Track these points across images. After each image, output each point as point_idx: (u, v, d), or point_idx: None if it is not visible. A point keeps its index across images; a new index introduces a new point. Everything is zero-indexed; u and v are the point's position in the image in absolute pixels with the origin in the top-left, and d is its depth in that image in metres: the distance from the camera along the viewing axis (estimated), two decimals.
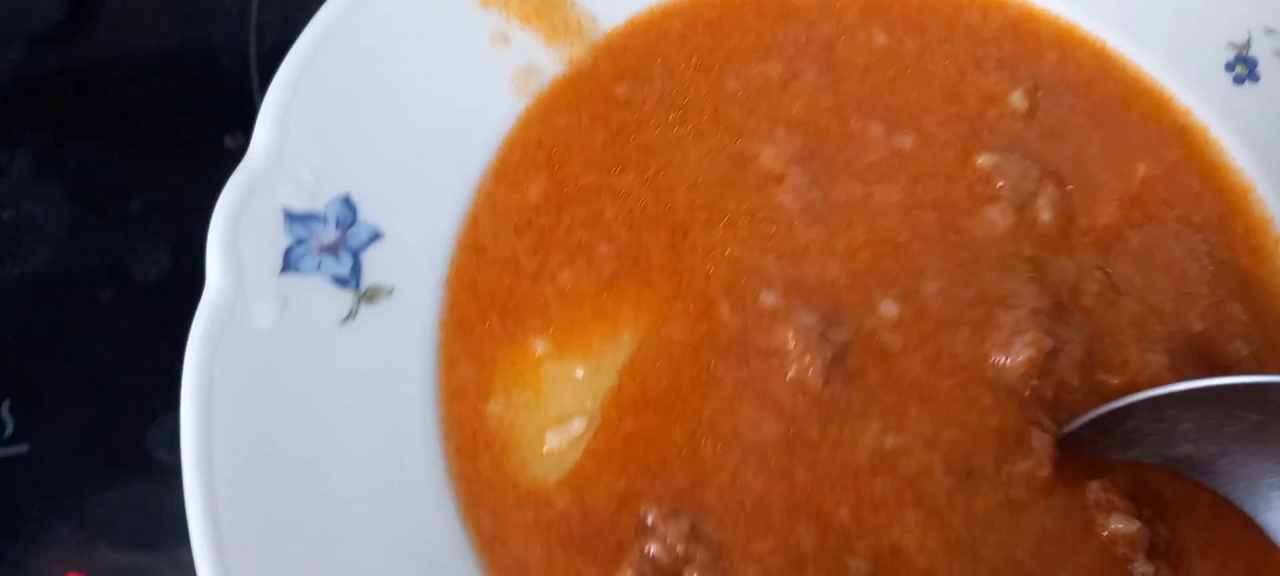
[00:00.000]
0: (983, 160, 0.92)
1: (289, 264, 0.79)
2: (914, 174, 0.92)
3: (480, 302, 0.85)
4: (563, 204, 0.89)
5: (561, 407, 0.82)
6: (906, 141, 0.94)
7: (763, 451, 0.81)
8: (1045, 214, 0.90)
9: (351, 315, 0.80)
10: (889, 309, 0.86)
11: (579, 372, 0.83)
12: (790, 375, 0.83)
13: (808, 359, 0.83)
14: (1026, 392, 0.82)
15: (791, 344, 0.83)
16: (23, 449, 0.91)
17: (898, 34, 1.00)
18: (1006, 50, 1.01)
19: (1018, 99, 0.97)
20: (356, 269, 0.81)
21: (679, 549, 0.76)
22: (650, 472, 0.79)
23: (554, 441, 0.80)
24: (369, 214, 0.83)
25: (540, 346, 0.84)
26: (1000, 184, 0.91)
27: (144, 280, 0.96)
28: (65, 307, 0.95)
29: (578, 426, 0.81)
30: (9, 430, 0.91)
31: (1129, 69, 1.00)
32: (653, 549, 0.76)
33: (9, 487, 0.90)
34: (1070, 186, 0.93)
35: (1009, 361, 0.82)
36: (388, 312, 0.81)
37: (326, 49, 0.84)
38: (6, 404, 0.92)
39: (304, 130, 0.83)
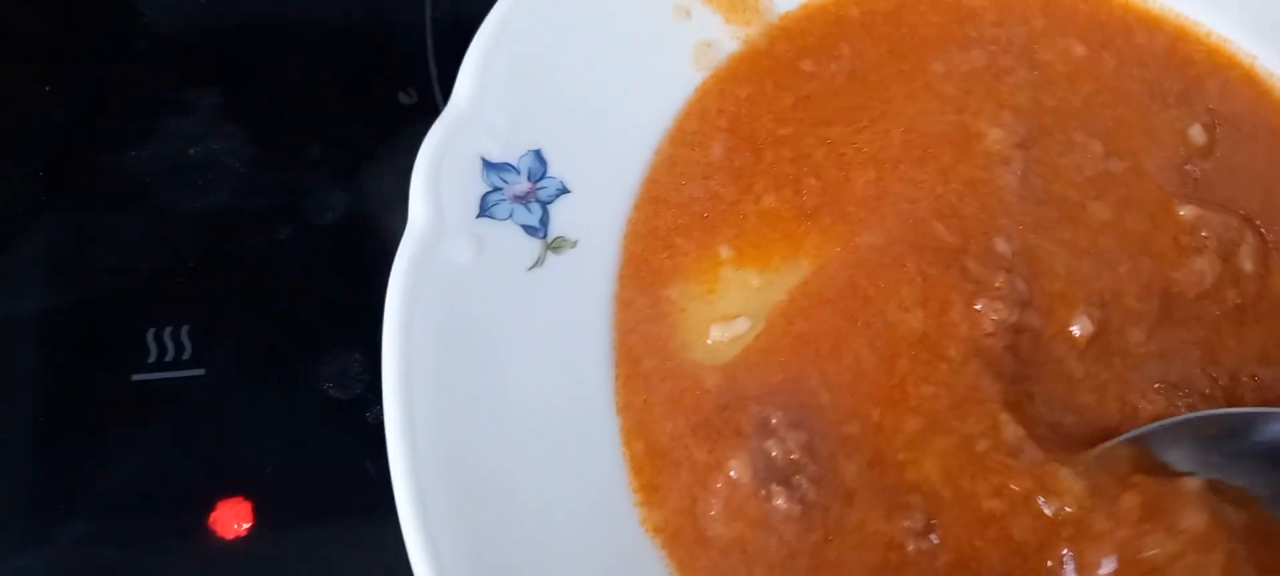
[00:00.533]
0: (1185, 212, 0.95)
1: (485, 209, 0.84)
2: (1124, 199, 0.96)
3: (664, 233, 0.91)
4: (760, 149, 0.95)
5: (731, 307, 0.89)
6: (1119, 166, 0.97)
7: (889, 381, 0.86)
8: (1247, 264, 0.93)
9: (539, 262, 0.85)
10: (1083, 325, 0.89)
11: (754, 282, 0.90)
12: (969, 325, 0.88)
13: (997, 311, 0.88)
14: None
15: (998, 284, 0.88)
16: (199, 372, 0.96)
17: (1094, 46, 1.04)
18: (1173, 75, 1.03)
19: (1197, 134, 1.00)
20: (545, 219, 0.86)
21: (793, 456, 0.82)
22: (794, 384, 0.86)
23: (717, 334, 0.88)
24: (557, 169, 0.88)
25: (725, 251, 0.91)
26: (1203, 234, 0.94)
27: (319, 221, 1.01)
28: (243, 242, 1.00)
29: (742, 326, 0.88)
30: (187, 353, 0.96)
31: (1275, 91, 1.03)
32: (772, 448, 0.82)
33: (184, 408, 0.95)
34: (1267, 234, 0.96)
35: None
36: (572, 262, 0.86)
37: (522, 10, 0.89)
38: (186, 328, 0.97)
39: (501, 85, 0.88)
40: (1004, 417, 0.86)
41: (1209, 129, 0.99)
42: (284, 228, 1.01)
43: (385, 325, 0.79)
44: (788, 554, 0.82)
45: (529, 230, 0.85)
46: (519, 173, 0.86)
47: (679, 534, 0.82)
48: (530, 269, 0.84)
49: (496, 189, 0.85)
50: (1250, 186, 0.98)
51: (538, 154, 0.87)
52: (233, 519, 0.92)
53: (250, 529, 0.92)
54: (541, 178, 0.87)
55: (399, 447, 0.75)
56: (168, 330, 0.96)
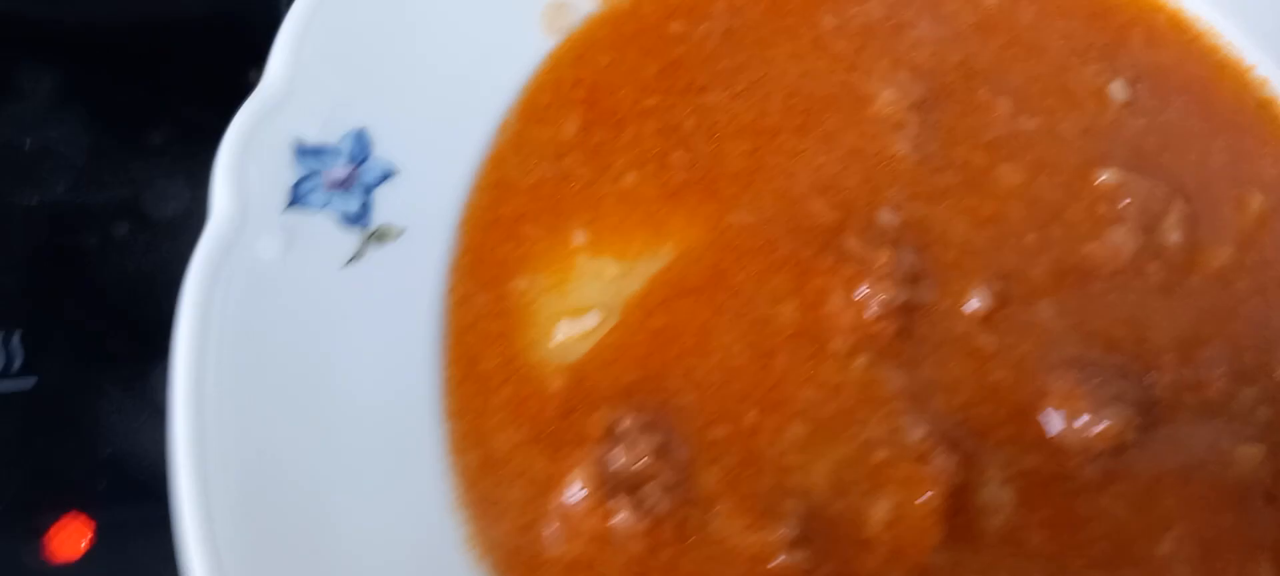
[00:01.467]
0: (1104, 178, 0.85)
1: (296, 198, 0.76)
2: (1035, 163, 0.87)
3: (508, 220, 0.82)
4: (621, 123, 0.86)
5: (583, 299, 0.80)
6: (1031, 126, 0.89)
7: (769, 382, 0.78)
8: (1173, 235, 0.84)
9: (358, 256, 0.77)
10: (982, 298, 0.82)
11: (612, 271, 0.81)
12: (853, 312, 0.80)
13: (881, 293, 0.79)
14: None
15: (881, 261, 0.80)
16: (30, 383, 0.89)
17: None
18: (1096, 26, 0.94)
19: (1118, 91, 0.90)
20: (367, 207, 0.78)
21: (643, 463, 0.74)
22: (651, 384, 0.78)
23: (566, 330, 0.79)
24: (384, 150, 0.80)
25: (579, 238, 0.82)
26: (1124, 203, 0.85)
27: (160, 216, 0.94)
28: (80, 239, 0.93)
29: (592, 320, 0.79)
30: (17, 362, 0.89)
31: (1206, 38, 0.93)
32: (619, 456, 0.74)
33: (14, 420, 0.88)
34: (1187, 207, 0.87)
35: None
36: (398, 254, 0.78)
37: None
38: (17, 335, 0.90)
39: (321, 61, 0.79)
40: (904, 418, 0.77)
41: (1133, 85, 0.89)
42: (122, 222, 0.93)
43: (177, 333, 0.71)
44: (638, 570, 0.74)
45: (347, 220, 0.77)
46: (339, 156, 0.78)
47: (515, 553, 0.74)
48: (347, 263, 0.76)
49: (311, 175, 0.77)
50: (1180, 149, 0.88)
51: (360, 135, 0.79)
52: (71, 537, 0.86)
53: (88, 547, 0.84)
54: (364, 161, 0.78)
55: (185, 470, 0.68)
56: None
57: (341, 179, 0.78)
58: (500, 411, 0.77)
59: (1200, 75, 0.91)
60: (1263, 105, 0.90)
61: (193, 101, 0.97)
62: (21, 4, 1.01)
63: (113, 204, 0.94)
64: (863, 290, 0.80)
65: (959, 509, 0.76)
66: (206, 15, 1.03)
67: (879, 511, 0.76)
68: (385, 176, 0.79)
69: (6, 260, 0.92)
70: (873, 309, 0.79)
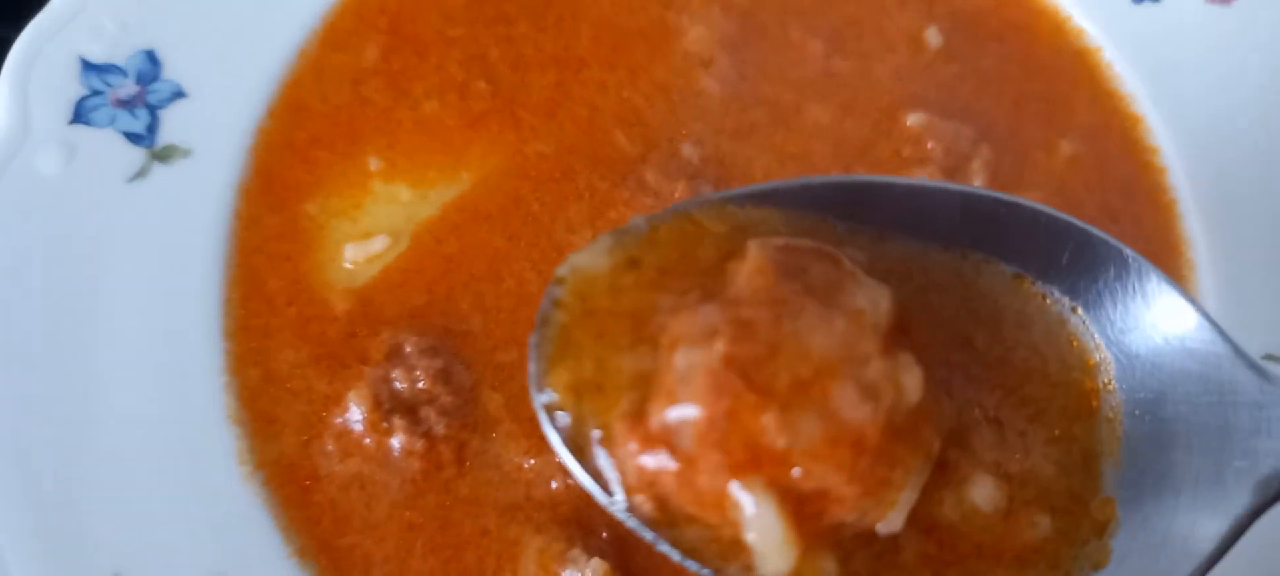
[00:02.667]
0: (912, 120, 0.85)
1: (79, 115, 0.76)
2: (846, 104, 0.87)
3: (302, 144, 0.82)
4: (424, 51, 0.86)
5: (374, 224, 0.80)
6: (844, 67, 0.89)
7: None
8: (978, 179, 0.84)
9: (142, 173, 0.76)
10: None
11: (405, 196, 0.81)
12: None
13: None
14: None
15: (677, 193, 0.80)
16: None
17: None
18: None
19: (934, 36, 0.91)
20: (153, 126, 0.78)
21: (422, 386, 0.74)
22: (438, 308, 0.78)
23: (353, 253, 0.79)
24: (174, 71, 0.79)
25: (374, 163, 0.82)
26: (930, 145, 0.85)
27: None
28: None
29: (378, 244, 0.79)
30: None
31: None
32: (398, 378, 0.74)
33: None
34: (992, 151, 0.86)
35: None
36: (184, 173, 0.78)
37: None
38: None
39: None
40: None
41: (948, 31, 0.90)
42: None
43: None
44: (413, 491, 0.74)
45: (132, 138, 0.77)
46: (126, 75, 0.77)
47: (291, 469, 0.74)
48: (130, 180, 0.76)
49: (97, 93, 0.76)
50: (995, 94, 0.89)
51: (150, 55, 0.79)
52: None
53: None
54: (154, 81, 0.78)
55: None
56: None
57: (129, 98, 0.77)
58: (284, 331, 0.77)
59: (1018, 21, 0.92)
60: (1080, 54, 0.91)
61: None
62: None
63: None
64: None
65: None
66: None
67: None
68: (174, 96, 0.78)
69: None
70: None
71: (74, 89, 0.76)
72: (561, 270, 0.52)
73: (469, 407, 0.76)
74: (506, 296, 0.79)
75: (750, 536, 0.45)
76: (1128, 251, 0.51)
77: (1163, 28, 0.89)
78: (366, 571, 0.72)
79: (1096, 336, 0.52)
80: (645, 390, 0.47)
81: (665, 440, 0.46)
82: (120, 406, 0.72)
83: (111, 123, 0.76)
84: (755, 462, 0.44)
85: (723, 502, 0.45)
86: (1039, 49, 0.91)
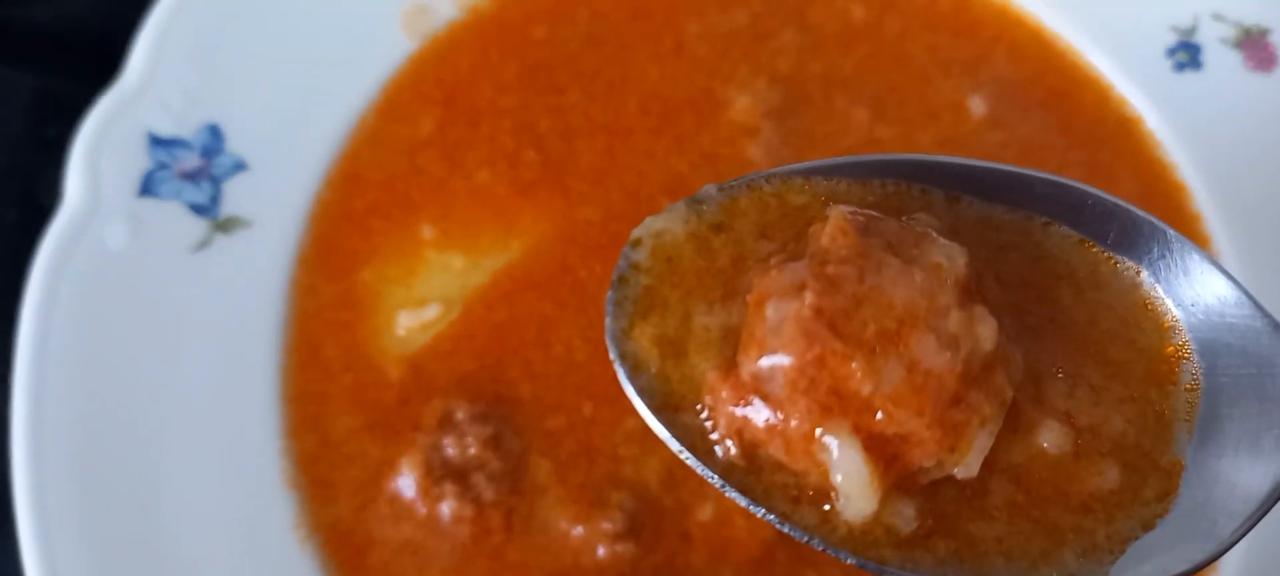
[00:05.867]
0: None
1: (147, 187, 0.79)
2: None
3: (360, 214, 0.85)
4: (477, 122, 0.88)
5: (427, 292, 0.82)
6: (887, 135, 0.90)
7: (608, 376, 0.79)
8: None
9: (205, 244, 0.79)
10: None
11: (458, 265, 0.83)
12: None
13: None
14: None
15: None
16: None
17: (876, 8, 0.96)
18: (962, 40, 0.95)
19: (977, 106, 0.92)
20: (216, 198, 0.81)
21: (472, 452, 0.76)
22: (489, 375, 0.80)
23: (406, 320, 0.81)
24: (236, 144, 0.82)
25: (428, 232, 0.84)
26: None
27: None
28: None
29: (432, 313, 0.81)
30: None
31: (1069, 56, 0.94)
32: (449, 445, 0.76)
33: None
34: None
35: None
36: (244, 243, 0.81)
37: None
38: None
39: (180, 55, 0.83)
40: None
41: (991, 99, 0.91)
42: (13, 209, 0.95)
43: (23, 313, 0.74)
44: (463, 556, 0.76)
45: (196, 209, 0.80)
46: (191, 148, 0.80)
47: (346, 534, 0.76)
48: (195, 251, 0.79)
49: (163, 166, 0.79)
50: (1037, 162, 0.89)
51: (214, 129, 0.82)
52: None
53: None
54: (217, 154, 0.81)
55: (22, 446, 0.71)
56: None
57: (193, 170, 0.80)
58: (340, 398, 0.79)
59: (1062, 89, 0.92)
60: (1123, 123, 0.91)
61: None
62: None
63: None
64: None
65: None
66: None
67: (708, 506, 0.77)
68: (236, 169, 0.81)
69: None
70: None
71: (142, 162, 0.79)
72: (638, 232, 0.55)
73: (518, 474, 0.77)
74: (554, 363, 0.81)
75: (836, 477, 0.48)
76: (1170, 231, 0.53)
77: (1204, 96, 0.90)
78: None
79: (1166, 300, 0.54)
80: (733, 343, 0.51)
81: (756, 388, 0.49)
82: (182, 470, 0.75)
83: (177, 195, 0.79)
84: (842, 408, 0.47)
85: (810, 447, 0.48)
86: (1082, 118, 0.91)
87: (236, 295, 0.79)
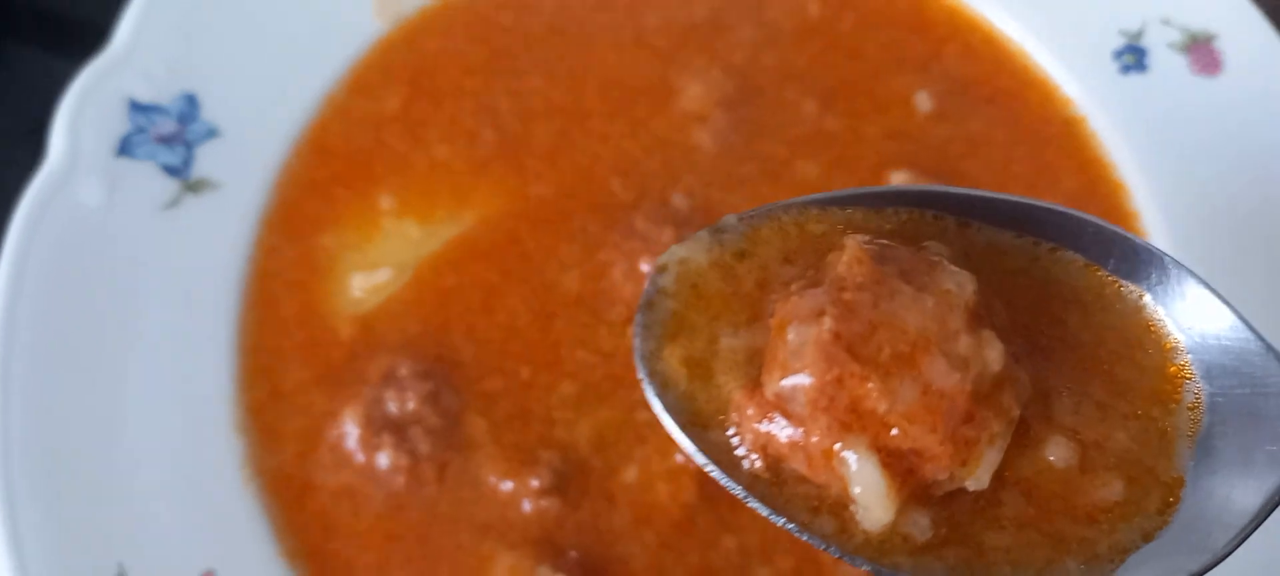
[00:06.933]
0: (896, 178, 0.90)
1: (124, 148, 0.85)
2: (835, 160, 0.92)
3: (323, 182, 0.90)
4: (440, 101, 0.93)
5: (380, 257, 0.87)
6: (835, 127, 0.94)
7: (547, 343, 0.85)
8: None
9: (175, 203, 0.85)
10: None
11: (414, 233, 0.88)
12: (634, 285, 0.85)
13: None
14: None
15: (665, 239, 0.85)
16: None
17: (833, 6, 0.99)
18: (915, 38, 0.98)
19: (924, 101, 0.95)
20: (188, 160, 0.86)
21: (411, 407, 0.80)
22: (433, 337, 0.84)
23: (360, 282, 0.86)
24: (211, 113, 0.88)
25: (386, 202, 0.89)
26: None
27: None
28: None
29: (384, 276, 0.86)
30: None
31: (1018, 56, 0.97)
32: (390, 400, 0.81)
33: None
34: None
35: None
36: (212, 204, 0.86)
37: None
38: None
39: (164, 28, 0.88)
40: None
41: (939, 95, 0.93)
42: None
43: (1, 261, 0.80)
44: (396, 504, 0.80)
45: (169, 170, 0.85)
46: (168, 114, 0.86)
47: (288, 479, 0.81)
48: (165, 209, 0.84)
49: (140, 130, 0.85)
50: (979, 158, 0.93)
51: (191, 98, 0.87)
52: None
53: None
54: (192, 121, 0.87)
55: None
56: None
57: (169, 134, 0.86)
58: (292, 352, 0.84)
59: (1009, 88, 0.95)
60: (1068, 122, 0.93)
61: None
62: None
63: None
64: (645, 265, 0.85)
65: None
66: None
67: (633, 469, 0.81)
68: (209, 135, 0.87)
69: None
70: None
71: (121, 126, 0.85)
72: (664, 259, 0.59)
73: (454, 430, 0.82)
74: (497, 329, 0.85)
75: (855, 490, 0.51)
76: (1167, 258, 0.55)
77: (1149, 98, 0.92)
78: None
79: (1168, 322, 0.56)
80: (758, 364, 0.54)
81: (779, 406, 0.52)
82: (140, 411, 0.80)
83: (152, 157, 0.85)
84: (860, 425, 0.50)
85: (830, 462, 0.51)
86: (1028, 116, 0.94)
87: (202, 252, 0.85)
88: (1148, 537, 0.53)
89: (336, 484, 0.80)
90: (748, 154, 0.91)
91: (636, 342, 0.57)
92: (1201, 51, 0.92)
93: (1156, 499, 0.54)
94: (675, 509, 0.80)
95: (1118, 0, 0.95)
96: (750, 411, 0.54)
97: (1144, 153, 0.90)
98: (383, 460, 0.80)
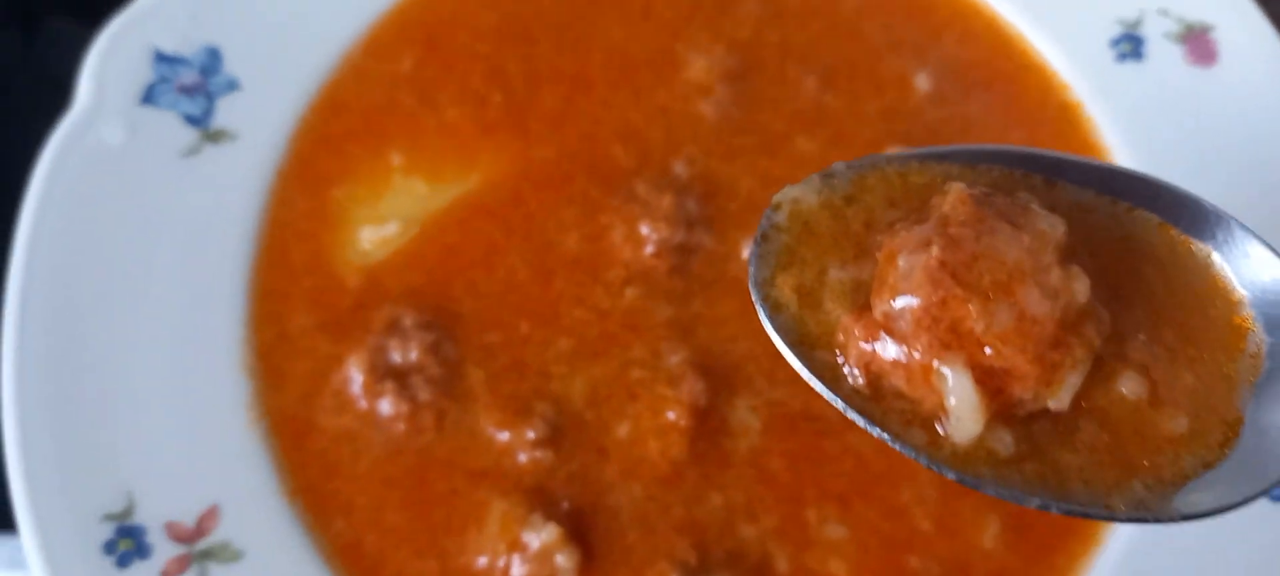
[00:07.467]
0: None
1: (148, 97, 0.88)
2: (833, 136, 0.95)
3: (337, 137, 0.93)
4: (452, 64, 0.96)
5: (390, 212, 0.90)
6: (834, 103, 0.96)
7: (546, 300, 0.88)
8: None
9: (194, 150, 0.88)
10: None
11: (421, 190, 0.91)
12: (632, 247, 0.89)
13: (660, 232, 0.88)
14: None
15: (664, 204, 0.88)
16: None
17: None
18: (915, 22, 1.00)
19: (923, 81, 0.97)
20: (209, 111, 0.90)
21: (413, 356, 0.84)
22: (437, 289, 0.88)
23: (368, 235, 0.89)
24: (233, 66, 0.91)
25: (396, 159, 0.92)
26: None
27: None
28: None
29: (391, 230, 0.89)
30: None
31: (1017, 42, 0.99)
32: (393, 348, 0.84)
33: None
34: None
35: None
36: (229, 154, 0.89)
37: None
38: None
39: None
40: (665, 346, 0.85)
41: (937, 77, 0.96)
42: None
43: (27, 198, 0.84)
44: (394, 449, 0.83)
45: (189, 120, 0.89)
46: (191, 66, 0.90)
47: (291, 419, 0.84)
48: (185, 156, 0.88)
49: (164, 80, 0.89)
50: (977, 137, 0.94)
51: (214, 50, 0.91)
52: None
53: None
54: (214, 73, 0.90)
55: (11, 313, 0.81)
56: None
57: (191, 85, 0.90)
58: (300, 298, 0.87)
59: (1007, 72, 0.97)
60: (1064, 107, 0.95)
61: None
62: None
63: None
64: (645, 228, 0.88)
65: (706, 430, 0.84)
66: None
67: (625, 425, 0.84)
68: (230, 87, 0.90)
69: None
70: (650, 246, 0.88)
71: (146, 74, 0.88)
72: (778, 198, 0.64)
73: (453, 380, 0.85)
74: (496, 284, 0.88)
75: (950, 401, 0.56)
76: (1233, 220, 0.61)
77: (1145, 87, 0.93)
78: (347, 515, 0.82)
79: (1233, 278, 0.61)
80: (863, 294, 0.60)
81: (886, 326, 0.57)
82: (152, 346, 0.83)
83: (174, 106, 0.89)
84: (959, 343, 0.55)
85: (929, 377, 0.57)
86: (1025, 101, 0.96)
87: (217, 199, 0.88)
88: (1208, 467, 0.58)
89: (338, 426, 0.84)
90: (748, 126, 0.94)
91: (751, 270, 0.63)
92: (1198, 42, 0.94)
93: (1218, 434, 0.59)
94: (664, 464, 0.83)
95: None
96: (857, 332, 0.59)
97: (1139, 140, 0.92)
98: (384, 406, 0.83)
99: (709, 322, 0.87)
